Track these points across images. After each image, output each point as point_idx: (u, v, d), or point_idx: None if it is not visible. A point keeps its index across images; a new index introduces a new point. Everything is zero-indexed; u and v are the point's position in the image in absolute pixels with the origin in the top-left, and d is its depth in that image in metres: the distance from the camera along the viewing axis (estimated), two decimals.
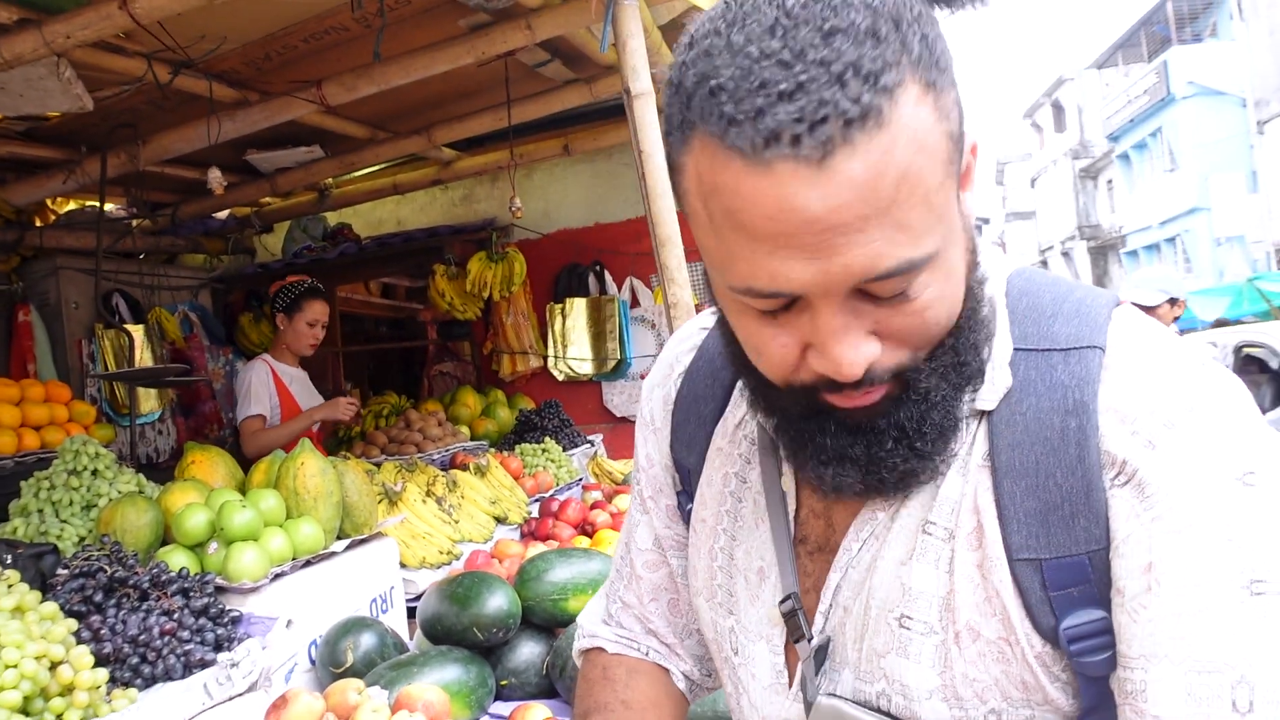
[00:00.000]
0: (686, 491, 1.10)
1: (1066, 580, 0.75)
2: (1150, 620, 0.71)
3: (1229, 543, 0.69)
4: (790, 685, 0.93)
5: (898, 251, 0.66)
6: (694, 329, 1.13)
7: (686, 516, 1.10)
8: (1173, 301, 4.61)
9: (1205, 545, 0.70)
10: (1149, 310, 4.56)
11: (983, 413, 0.81)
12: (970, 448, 0.81)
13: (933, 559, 0.81)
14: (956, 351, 0.77)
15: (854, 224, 0.64)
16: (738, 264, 0.70)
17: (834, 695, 0.86)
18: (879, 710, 0.84)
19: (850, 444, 0.79)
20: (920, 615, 0.81)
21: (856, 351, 0.71)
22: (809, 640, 0.89)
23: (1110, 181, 33.91)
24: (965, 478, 0.81)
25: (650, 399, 1.15)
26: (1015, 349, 0.81)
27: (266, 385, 4.27)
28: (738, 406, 1.02)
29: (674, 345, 1.15)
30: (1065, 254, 38.37)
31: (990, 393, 0.80)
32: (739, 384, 0.98)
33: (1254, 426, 0.74)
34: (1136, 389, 0.75)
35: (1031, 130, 42.09)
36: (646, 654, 1.17)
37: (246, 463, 2.84)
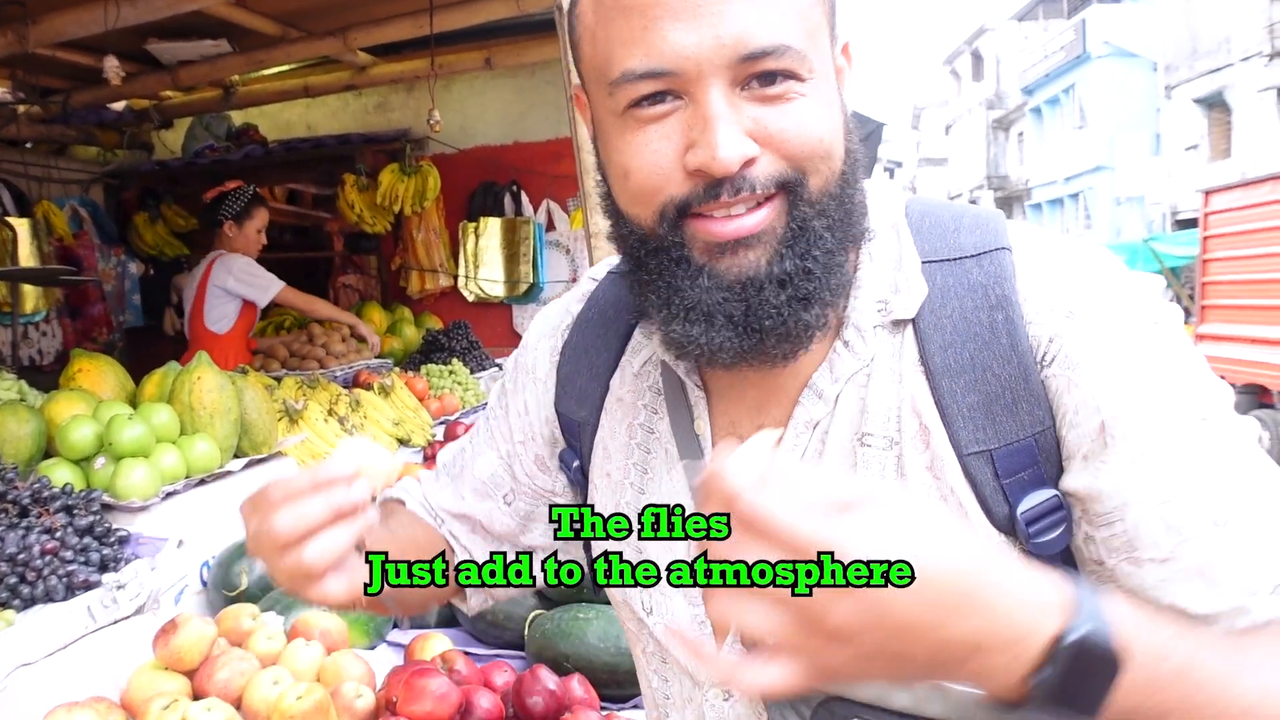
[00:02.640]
0: (573, 448, 1.07)
1: (1017, 465, 0.79)
2: (1115, 472, 0.76)
3: (1168, 381, 0.76)
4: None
5: (769, 30, 0.72)
6: (585, 280, 1.11)
7: (572, 475, 1.08)
8: None
9: (1149, 388, 0.76)
10: None
11: (903, 322, 0.84)
12: (899, 356, 0.83)
13: (878, 469, 0.83)
14: (843, 206, 0.81)
15: None
16: (617, 51, 0.76)
17: None
18: None
19: (725, 299, 0.79)
20: None
21: (734, 137, 0.74)
22: None
23: (1021, 134, 34.64)
24: (900, 384, 0.83)
25: (537, 348, 1.12)
26: (925, 261, 0.84)
27: None
28: (635, 353, 1.00)
29: (565, 296, 1.13)
30: (973, 202, 39.19)
31: (906, 301, 0.83)
32: (636, 330, 0.98)
33: (1141, 280, 0.81)
34: (1047, 273, 0.81)
35: (950, 77, 42.58)
36: (440, 524, 1.16)
37: (138, 373, 2.71)
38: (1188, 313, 14.40)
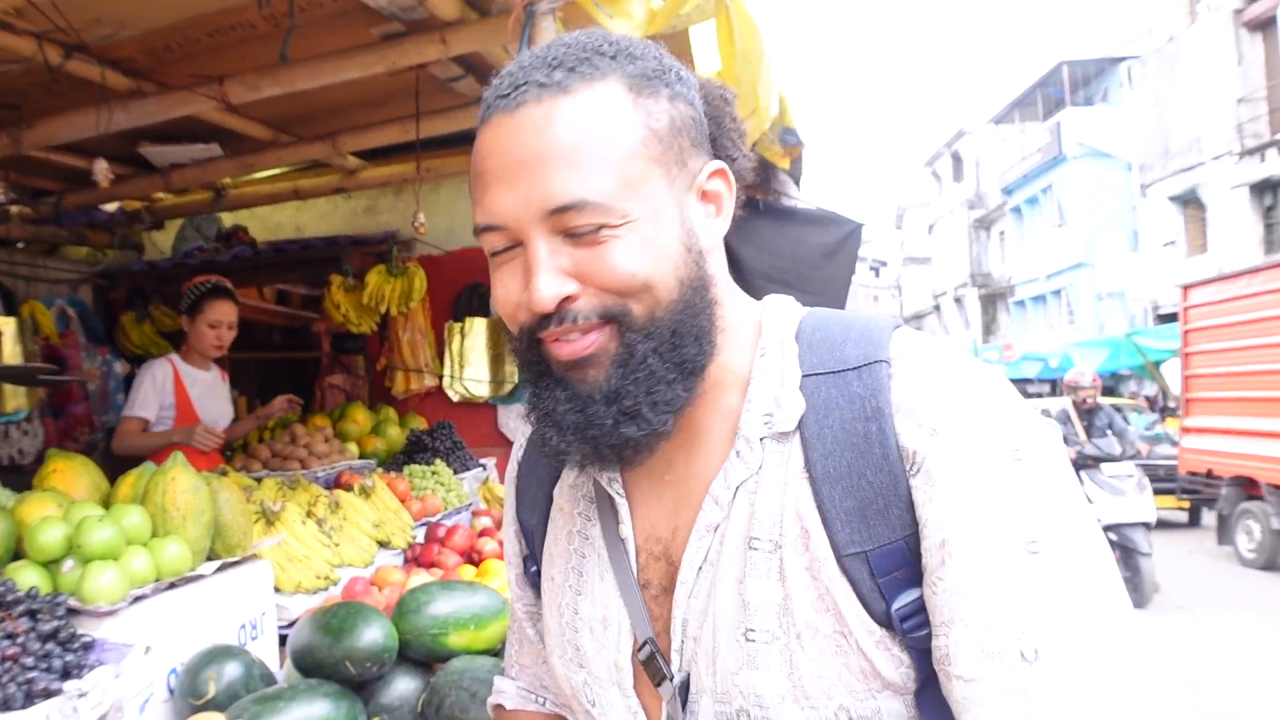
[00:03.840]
0: (533, 554, 1.18)
1: (891, 566, 0.85)
2: (947, 590, 0.82)
3: (1006, 512, 0.81)
4: None
5: (571, 189, 0.84)
6: None
7: (534, 581, 1.17)
8: None
9: (985, 517, 0.81)
10: None
11: (787, 433, 0.91)
12: (786, 464, 0.90)
13: (764, 571, 0.89)
14: (674, 331, 0.89)
15: (533, 160, 0.84)
16: (475, 207, 0.90)
17: None
18: None
19: (568, 409, 0.90)
20: (761, 625, 0.89)
21: (549, 280, 0.86)
22: (671, 680, 0.95)
23: (1002, 233, 35.25)
24: (785, 491, 0.90)
25: (508, 474, 1.24)
26: (810, 374, 0.92)
27: (161, 388, 4.16)
28: (573, 467, 1.07)
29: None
30: (957, 300, 39.67)
31: (786, 415, 0.91)
32: None
33: (1017, 409, 0.86)
34: (919, 388, 0.87)
35: (931, 179, 43.53)
36: (544, 704, 1.26)
37: (114, 473, 2.68)
38: (1174, 408, 14.46)
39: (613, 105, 0.86)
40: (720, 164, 0.95)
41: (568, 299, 0.87)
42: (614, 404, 0.88)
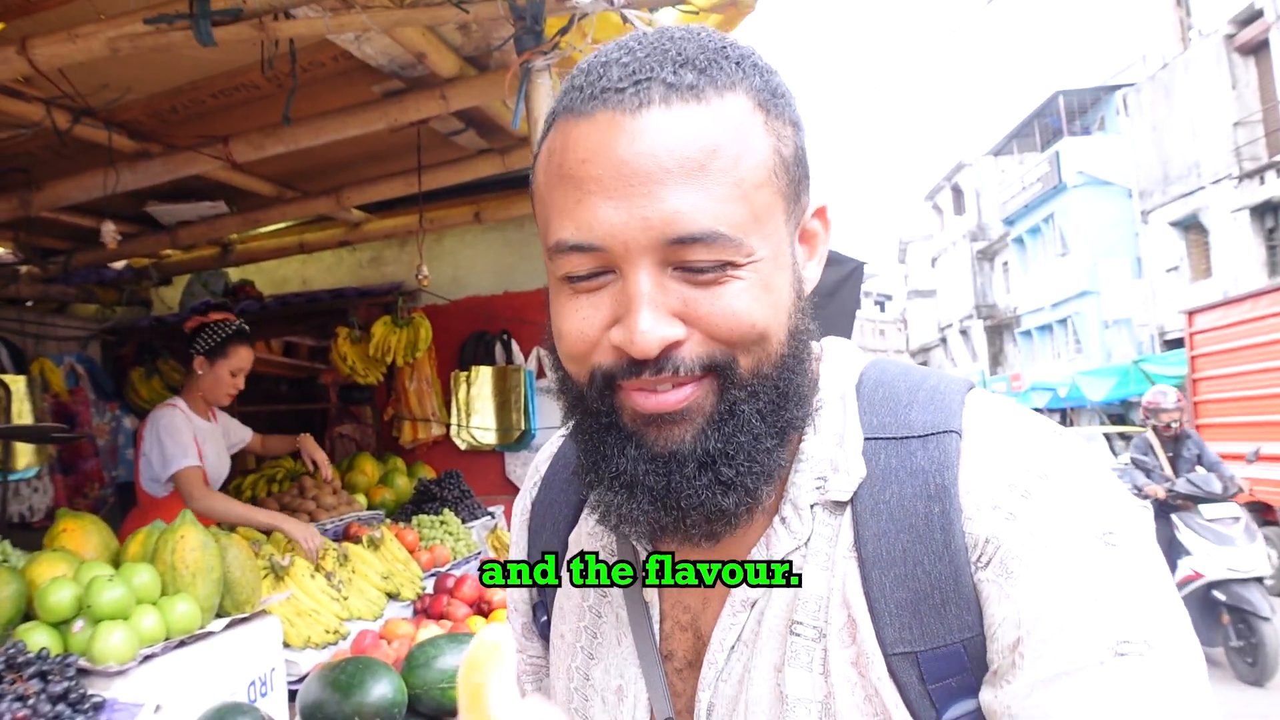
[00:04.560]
0: (542, 602, 1.05)
1: (944, 671, 0.74)
2: (1014, 694, 0.70)
3: (1095, 608, 0.69)
4: None
5: (701, 218, 0.70)
6: (557, 437, 1.10)
7: (543, 631, 1.05)
8: None
9: (1071, 613, 0.69)
10: None
11: (841, 504, 0.80)
12: (835, 540, 0.79)
13: (805, 662, 0.78)
14: (779, 389, 0.77)
15: (657, 174, 0.70)
16: (554, 220, 0.75)
17: None
18: None
19: (648, 470, 0.76)
20: None
21: (655, 321, 0.72)
22: None
23: (1006, 263, 35.26)
24: (831, 571, 0.78)
25: (517, 512, 1.12)
26: (870, 438, 0.81)
27: (190, 432, 3.75)
28: (591, 512, 0.93)
29: (539, 454, 1.12)
30: (963, 332, 39.63)
31: (843, 482, 0.80)
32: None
33: (1107, 486, 0.75)
34: (994, 467, 0.75)
35: (933, 212, 43.66)
36: None
37: (125, 533, 2.70)
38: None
39: (747, 123, 0.73)
40: (824, 202, 0.84)
41: (672, 345, 0.73)
42: (709, 470, 0.75)
